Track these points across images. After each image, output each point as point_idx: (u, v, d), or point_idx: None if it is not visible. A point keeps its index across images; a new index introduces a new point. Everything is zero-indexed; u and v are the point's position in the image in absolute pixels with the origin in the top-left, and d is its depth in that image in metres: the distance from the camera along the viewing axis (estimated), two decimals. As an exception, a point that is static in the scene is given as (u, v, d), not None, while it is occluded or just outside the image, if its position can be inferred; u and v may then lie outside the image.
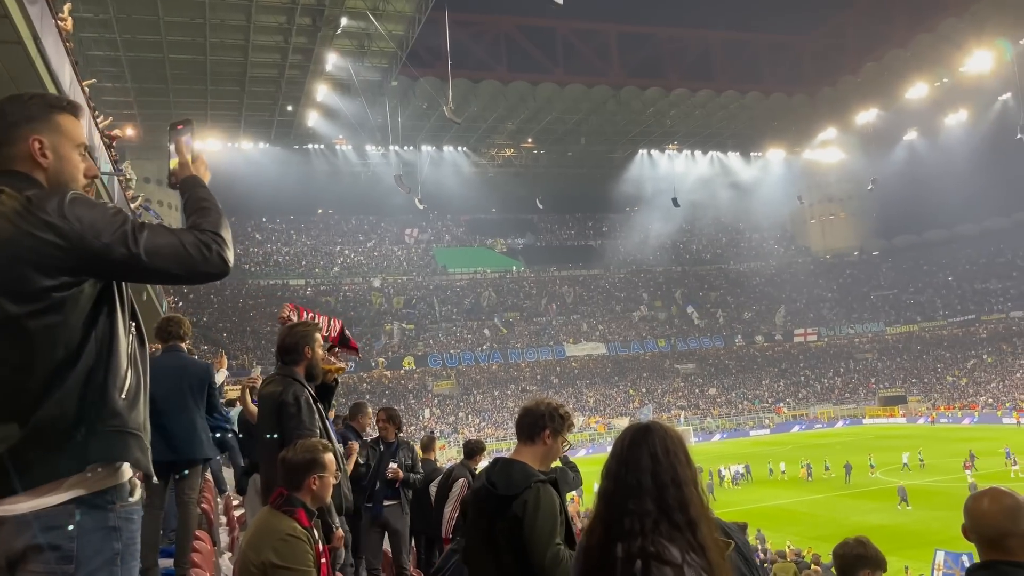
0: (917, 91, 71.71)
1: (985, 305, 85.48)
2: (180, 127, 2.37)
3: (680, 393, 78.45)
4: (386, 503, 7.36)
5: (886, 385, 79.23)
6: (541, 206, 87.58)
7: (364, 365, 66.92)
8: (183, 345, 6.32)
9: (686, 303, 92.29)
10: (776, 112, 78.07)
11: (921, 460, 40.61)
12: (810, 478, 39.74)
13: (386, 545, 7.79)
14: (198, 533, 5.87)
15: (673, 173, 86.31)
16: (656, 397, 76.91)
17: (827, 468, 40.82)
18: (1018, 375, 70.21)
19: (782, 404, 76.80)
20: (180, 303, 58.42)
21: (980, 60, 64.99)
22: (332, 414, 6.99)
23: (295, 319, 5.91)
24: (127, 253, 1.96)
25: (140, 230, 1.99)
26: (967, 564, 13.97)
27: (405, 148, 72.79)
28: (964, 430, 59.11)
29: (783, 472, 41.82)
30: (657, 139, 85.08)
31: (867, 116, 79.43)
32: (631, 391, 77.58)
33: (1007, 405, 64.46)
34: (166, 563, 6.26)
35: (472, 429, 64.99)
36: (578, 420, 67.85)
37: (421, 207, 69.54)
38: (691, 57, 72.06)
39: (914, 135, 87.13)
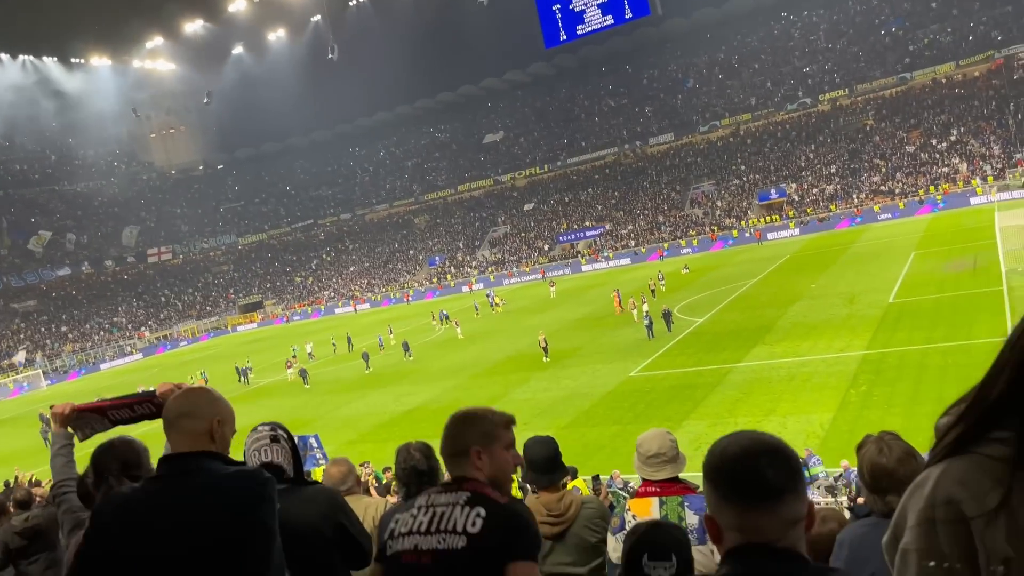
0: (238, 5, 73.59)
1: (320, 210, 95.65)
2: None
3: (23, 335, 68.67)
4: None
5: (244, 294, 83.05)
6: None
7: None
8: None
9: (16, 233, 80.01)
10: (90, 9, 70.41)
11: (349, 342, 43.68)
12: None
13: None
14: None
15: (-25, 79, 72.18)
16: (-9, 345, 65.87)
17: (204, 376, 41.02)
18: (352, 269, 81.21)
19: (144, 328, 73.93)
20: None
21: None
22: None
23: None
24: None
25: None
26: (314, 444, 15.50)
27: None
28: (315, 323, 66.27)
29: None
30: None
31: (194, 27, 78.60)
32: (-44, 344, 64.72)
33: (346, 296, 74.25)
34: None
35: None
36: None
37: None
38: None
39: (242, 50, 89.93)
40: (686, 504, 2.85)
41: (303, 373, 35.59)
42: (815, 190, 60.27)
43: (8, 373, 60.74)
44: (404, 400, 27.72)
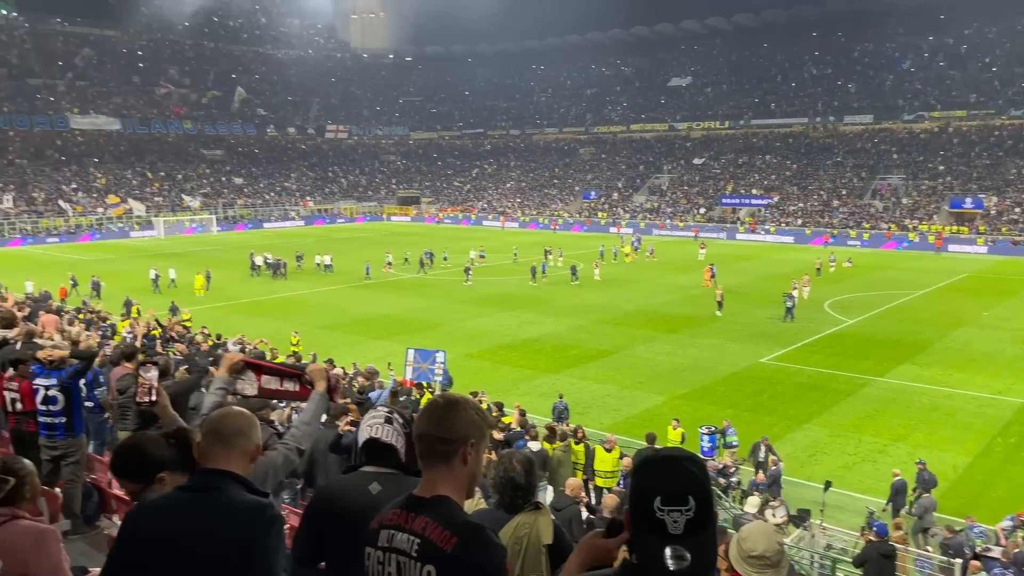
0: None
1: (492, 121, 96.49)
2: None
3: (205, 180, 74.46)
4: None
5: (405, 186, 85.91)
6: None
7: None
8: None
9: (218, 86, 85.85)
10: None
11: (483, 254, 45.69)
12: (324, 270, 41.69)
13: None
14: None
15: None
16: (177, 183, 71.85)
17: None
18: (508, 185, 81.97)
19: (309, 198, 78.30)
20: None
21: None
22: None
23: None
24: None
25: None
26: (439, 360, 15.80)
27: None
28: (463, 230, 67.78)
29: (327, 266, 42.92)
30: None
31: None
32: (148, 174, 71.09)
33: (497, 211, 75.28)
34: None
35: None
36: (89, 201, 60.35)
37: None
38: None
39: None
40: None
41: (467, 270, 38.41)
42: (1017, 209, 54.53)
43: (185, 212, 66.39)
44: (527, 327, 28.05)
